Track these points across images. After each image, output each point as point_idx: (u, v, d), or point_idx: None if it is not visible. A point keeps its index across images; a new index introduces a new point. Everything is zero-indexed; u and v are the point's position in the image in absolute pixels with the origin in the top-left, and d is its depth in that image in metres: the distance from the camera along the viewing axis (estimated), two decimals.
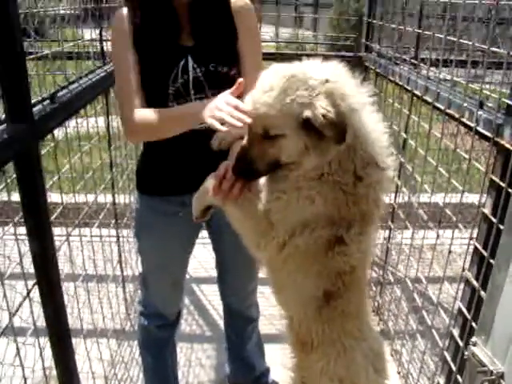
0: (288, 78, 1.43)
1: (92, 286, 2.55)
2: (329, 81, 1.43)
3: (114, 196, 3.13)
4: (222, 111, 1.55)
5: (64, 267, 2.71)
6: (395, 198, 3.11)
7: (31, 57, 1.84)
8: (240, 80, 1.64)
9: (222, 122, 1.56)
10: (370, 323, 1.86)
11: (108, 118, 2.90)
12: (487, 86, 2.04)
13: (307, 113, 1.40)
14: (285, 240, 1.59)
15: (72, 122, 2.34)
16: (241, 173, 1.58)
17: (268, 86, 1.46)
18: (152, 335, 2.46)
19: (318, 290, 1.65)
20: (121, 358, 2.92)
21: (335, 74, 1.47)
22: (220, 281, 2.52)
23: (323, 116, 1.38)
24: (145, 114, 1.86)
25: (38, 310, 1.83)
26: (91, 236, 2.69)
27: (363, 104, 1.51)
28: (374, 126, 1.53)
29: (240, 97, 1.61)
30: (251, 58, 2.00)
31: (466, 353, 1.53)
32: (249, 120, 1.49)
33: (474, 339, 1.51)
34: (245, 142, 1.58)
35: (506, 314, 1.40)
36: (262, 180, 1.65)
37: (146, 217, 2.18)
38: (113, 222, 3.16)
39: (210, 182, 1.65)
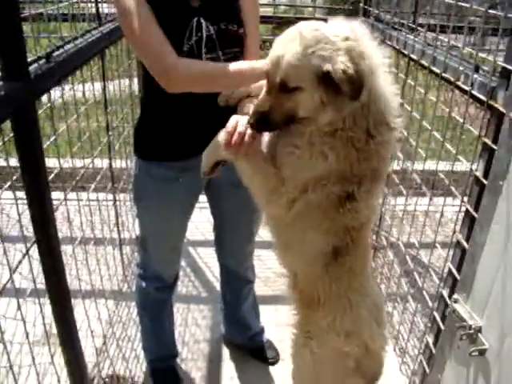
0: (311, 32, 1.44)
1: (90, 248, 2.58)
2: (349, 38, 1.43)
3: (110, 160, 3.15)
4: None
5: (61, 229, 2.76)
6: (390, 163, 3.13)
7: (26, 14, 1.82)
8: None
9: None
10: (372, 279, 1.92)
11: (104, 80, 2.89)
12: (483, 55, 2.04)
13: (327, 66, 1.40)
14: (295, 196, 1.60)
15: (67, 86, 2.34)
16: (256, 125, 1.57)
17: (291, 38, 1.46)
18: (150, 297, 2.51)
19: (327, 246, 1.68)
20: (119, 318, 2.99)
21: (357, 33, 1.47)
22: (218, 243, 2.56)
23: (343, 71, 1.38)
24: (193, 64, 1.82)
25: (38, 269, 1.87)
26: (88, 200, 2.72)
27: (380, 65, 1.52)
28: (387, 87, 1.55)
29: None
30: (252, 19, 2.01)
31: (448, 310, 1.58)
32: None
33: (455, 296, 1.56)
34: (263, 94, 1.58)
35: (486, 271, 1.45)
36: (274, 135, 1.66)
37: (144, 183, 2.17)
38: (109, 185, 3.18)
39: (221, 136, 1.64)
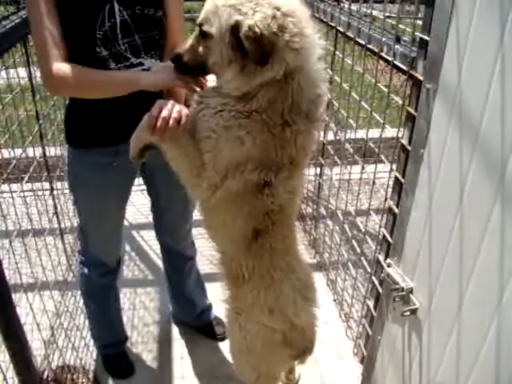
0: None
1: (28, 241, 2.52)
2: (280, 10, 1.40)
3: (43, 148, 3.06)
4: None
5: None
6: (324, 134, 3.20)
7: None
8: None
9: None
10: (299, 256, 1.95)
11: (29, 67, 2.79)
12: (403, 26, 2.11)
13: (237, 17, 1.38)
14: (216, 182, 1.61)
15: None
16: (173, 64, 1.62)
17: None
18: (93, 283, 2.49)
19: (246, 229, 1.71)
20: (65, 308, 2.94)
21: (292, 9, 1.43)
22: (155, 222, 2.56)
23: (249, 27, 1.36)
24: (71, 70, 1.78)
25: None
26: (23, 191, 2.64)
27: (312, 48, 1.49)
28: (315, 75, 1.52)
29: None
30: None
31: (382, 274, 1.66)
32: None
33: (388, 261, 1.64)
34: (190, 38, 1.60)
35: (414, 236, 1.53)
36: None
37: (78, 169, 2.13)
38: (45, 174, 3.10)
39: (145, 120, 1.63)
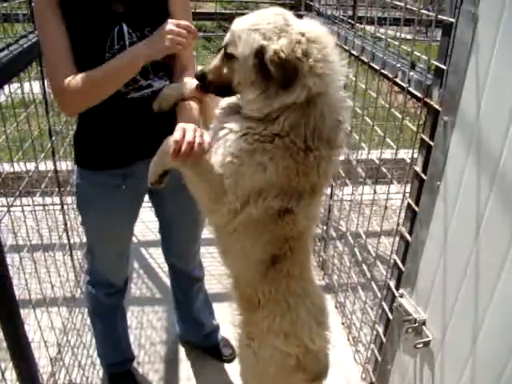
0: (273, 13, 1.45)
1: (38, 256, 2.53)
2: (305, 35, 1.42)
3: (55, 163, 3.08)
4: (179, 33, 1.66)
5: (7, 239, 2.69)
6: None
7: None
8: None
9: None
10: (313, 280, 1.93)
11: (44, 83, 2.82)
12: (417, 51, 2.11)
13: (262, 42, 1.41)
14: (237, 208, 1.60)
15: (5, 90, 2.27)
16: (199, 85, 1.64)
17: (256, 14, 1.48)
18: (101, 303, 2.48)
19: (264, 255, 1.71)
20: (73, 325, 2.94)
21: (317, 36, 1.45)
22: (163, 243, 2.55)
23: (275, 52, 1.38)
24: (77, 79, 1.77)
25: None
26: (34, 205, 2.65)
27: (336, 75, 1.49)
28: (337, 102, 1.52)
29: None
30: (183, 17, 1.98)
31: (395, 304, 1.64)
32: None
33: (401, 291, 1.62)
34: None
35: (428, 267, 1.51)
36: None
37: (87, 191, 2.13)
38: (56, 189, 3.11)
39: (168, 145, 1.61)
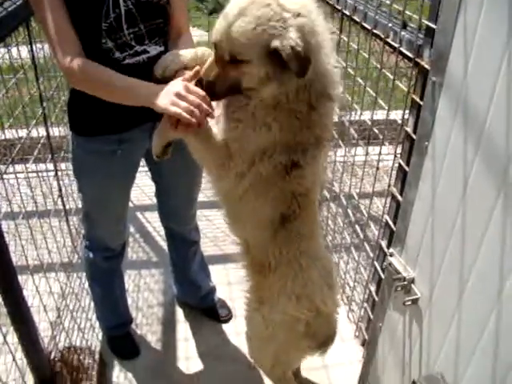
0: (262, 6, 1.41)
1: (33, 223, 2.55)
2: (301, 15, 1.42)
3: (47, 130, 3.06)
4: (186, 100, 1.54)
5: (2, 206, 2.71)
6: None
7: None
8: (197, 68, 1.62)
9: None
10: (321, 242, 1.97)
11: (32, 48, 2.77)
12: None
13: (276, 43, 1.39)
14: (243, 170, 1.62)
15: None
16: (208, 95, 1.58)
17: (241, 11, 1.43)
18: (98, 267, 2.52)
19: (274, 215, 1.73)
20: (71, 290, 2.98)
21: (308, 9, 1.46)
22: (160, 207, 2.58)
23: (291, 48, 1.38)
24: (82, 68, 1.76)
25: None
26: (27, 172, 2.66)
27: (327, 40, 1.52)
28: (331, 62, 1.56)
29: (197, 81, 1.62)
30: None
31: (385, 263, 1.68)
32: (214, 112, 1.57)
33: (391, 250, 1.65)
34: (210, 63, 1.58)
35: (417, 227, 1.54)
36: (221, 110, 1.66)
37: (83, 157, 2.13)
38: (49, 156, 3.11)
39: (168, 118, 1.63)
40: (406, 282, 1.56)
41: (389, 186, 2.21)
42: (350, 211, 2.85)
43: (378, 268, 2.28)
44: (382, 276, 2.20)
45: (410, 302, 1.55)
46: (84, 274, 3.01)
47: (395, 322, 1.73)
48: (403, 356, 1.69)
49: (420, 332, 1.56)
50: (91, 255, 2.48)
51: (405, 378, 1.70)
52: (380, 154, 2.35)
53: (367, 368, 2.02)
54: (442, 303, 1.44)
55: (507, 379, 1.18)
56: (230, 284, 3.04)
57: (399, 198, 2.03)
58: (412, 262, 1.57)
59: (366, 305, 2.56)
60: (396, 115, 2.41)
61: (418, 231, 1.53)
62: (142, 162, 2.36)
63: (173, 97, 1.56)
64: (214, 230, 3.54)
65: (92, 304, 2.87)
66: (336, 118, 3.14)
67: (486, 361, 1.26)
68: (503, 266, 1.17)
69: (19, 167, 2.80)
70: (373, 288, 2.41)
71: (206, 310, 2.89)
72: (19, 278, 2.11)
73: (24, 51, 2.78)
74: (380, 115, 2.68)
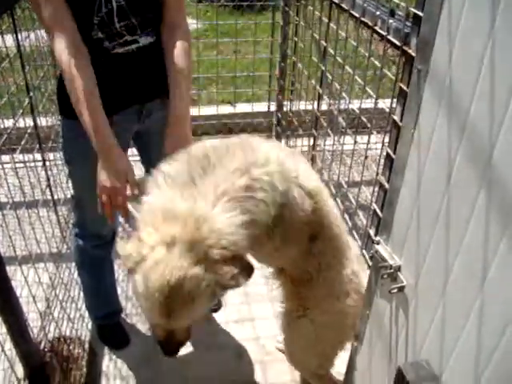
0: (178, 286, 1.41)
1: (21, 214, 2.53)
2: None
3: (34, 119, 3.04)
4: (113, 198, 1.88)
5: None
6: (318, 105, 3.18)
7: None
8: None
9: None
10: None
11: (17, 38, 2.74)
12: None
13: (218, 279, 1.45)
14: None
15: None
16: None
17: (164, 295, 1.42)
18: (88, 255, 2.52)
19: (303, 240, 1.86)
20: (60, 280, 2.98)
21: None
22: None
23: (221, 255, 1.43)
24: (74, 72, 1.78)
25: None
26: (14, 162, 2.64)
27: None
28: None
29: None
30: None
31: (372, 251, 1.69)
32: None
33: (377, 238, 1.66)
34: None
35: (402, 215, 1.54)
36: None
37: (73, 141, 2.12)
38: (37, 146, 3.09)
39: None
40: (392, 270, 1.57)
41: (377, 174, 2.21)
42: (338, 200, 2.86)
43: (367, 256, 2.29)
44: (370, 264, 2.21)
45: (396, 290, 1.55)
46: (73, 264, 3.01)
47: (382, 309, 1.74)
48: (390, 343, 1.71)
49: (406, 319, 1.58)
50: (81, 243, 2.47)
51: (391, 364, 1.71)
52: (368, 142, 2.36)
53: (354, 357, 2.04)
54: (427, 291, 1.45)
55: (490, 364, 1.19)
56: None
57: (387, 186, 2.02)
58: (398, 250, 1.58)
59: None
60: (384, 104, 2.41)
61: (403, 219, 1.54)
62: (132, 152, 2.36)
63: (108, 185, 1.86)
64: None
65: (81, 294, 2.87)
66: (325, 107, 3.16)
67: (469, 347, 1.27)
68: (487, 254, 1.18)
69: (6, 158, 2.78)
70: None
71: None
72: (7, 268, 2.11)
73: (9, 40, 2.76)
74: (369, 104, 2.68)
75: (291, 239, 1.81)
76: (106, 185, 1.86)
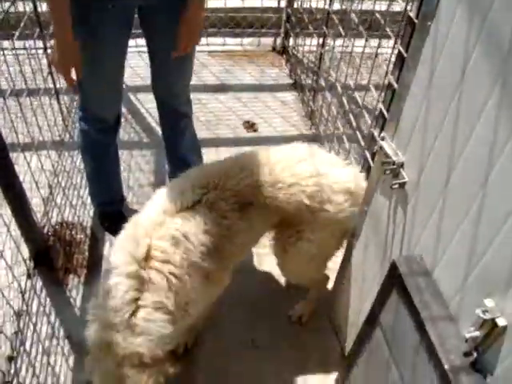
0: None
1: (23, 101, 2.49)
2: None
3: (34, 3, 2.92)
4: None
5: None
6: (330, 3, 3.05)
7: None
8: None
9: None
10: None
11: None
12: None
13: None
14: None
15: None
16: None
17: None
18: (93, 139, 2.51)
19: None
20: (63, 168, 3.00)
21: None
22: (153, 76, 2.53)
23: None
24: None
25: None
26: (15, 48, 2.56)
27: None
28: None
29: None
30: None
31: (376, 147, 1.68)
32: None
33: (382, 134, 1.65)
34: None
35: (411, 110, 1.52)
36: None
37: (73, 15, 1.99)
38: (37, 32, 2.98)
39: None
40: (395, 166, 1.57)
41: (386, 74, 2.16)
42: (345, 100, 2.81)
43: (369, 157, 2.29)
44: (372, 164, 2.22)
45: (397, 186, 1.57)
46: (76, 152, 3.02)
47: (381, 206, 1.77)
48: (385, 239, 1.75)
49: (404, 216, 1.60)
50: (86, 127, 2.46)
51: (385, 259, 1.77)
52: (380, 42, 2.28)
53: (350, 251, 2.10)
54: (428, 188, 1.47)
55: (482, 261, 1.22)
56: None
57: (395, 85, 1.99)
58: (403, 147, 1.58)
59: None
60: (399, 7, 2.30)
61: (411, 115, 1.52)
62: (136, 43, 2.28)
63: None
64: (206, 113, 3.51)
65: (84, 182, 2.90)
66: (338, 6, 3.02)
67: (464, 244, 1.29)
68: (492, 154, 1.17)
69: (6, 43, 2.70)
70: None
71: None
72: (10, 154, 2.12)
73: None
74: (383, 6, 2.58)
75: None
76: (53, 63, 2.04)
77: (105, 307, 1.62)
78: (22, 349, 2.11)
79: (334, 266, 2.31)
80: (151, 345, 1.60)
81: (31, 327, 2.22)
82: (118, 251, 1.70)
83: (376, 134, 2.22)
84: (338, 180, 1.98)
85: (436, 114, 1.38)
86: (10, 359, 2.03)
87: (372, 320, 1.71)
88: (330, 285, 2.42)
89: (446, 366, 1.24)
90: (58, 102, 3.20)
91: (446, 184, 1.36)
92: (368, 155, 2.33)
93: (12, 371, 2.00)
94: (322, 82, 3.33)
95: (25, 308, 2.25)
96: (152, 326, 1.61)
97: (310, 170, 1.95)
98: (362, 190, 1.97)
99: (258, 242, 2.17)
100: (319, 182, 1.93)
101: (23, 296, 2.26)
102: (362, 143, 2.50)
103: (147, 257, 1.65)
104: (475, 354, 1.22)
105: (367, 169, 2.38)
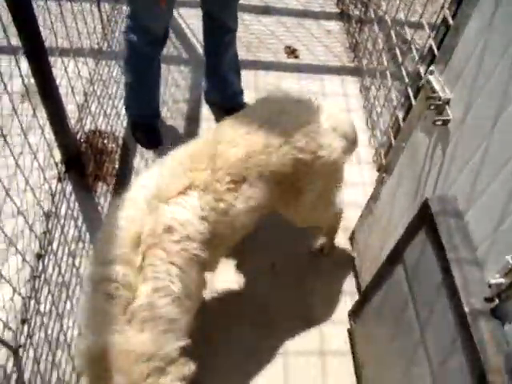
0: None
1: (64, 3, 2.44)
2: None
3: None
4: None
5: None
6: None
7: None
8: None
9: None
10: None
11: None
12: None
13: None
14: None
15: None
16: None
17: None
18: (138, 50, 2.48)
19: None
20: (99, 77, 2.98)
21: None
22: None
23: None
24: None
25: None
26: None
27: None
28: None
29: None
30: None
31: (422, 81, 1.62)
32: None
33: (431, 68, 1.58)
34: None
35: (466, 46, 1.45)
36: None
37: None
38: None
39: None
40: (440, 102, 1.51)
41: (442, 7, 2.04)
42: (393, 34, 2.69)
43: (411, 94, 2.21)
44: (414, 103, 2.15)
45: (440, 123, 1.52)
46: (113, 62, 2.98)
47: (419, 143, 1.72)
48: (420, 177, 1.72)
49: (443, 155, 1.56)
50: (133, 37, 2.43)
51: (417, 196, 1.74)
52: None
53: (380, 186, 2.07)
54: (472, 129, 1.41)
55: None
56: (257, 90, 3.00)
57: (450, 21, 1.89)
58: (451, 83, 1.51)
59: (390, 131, 2.55)
60: None
61: (466, 51, 1.44)
62: None
63: None
64: (248, 35, 3.42)
65: (119, 93, 2.88)
66: None
67: (502, 191, 1.26)
68: None
69: None
70: (400, 115, 2.36)
71: (231, 111, 2.89)
72: (48, 58, 2.10)
73: None
74: None
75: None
76: None
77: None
78: (49, 248, 2.18)
79: (354, 200, 2.27)
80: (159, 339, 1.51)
81: (59, 229, 2.28)
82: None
83: (422, 71, 2.14)
84: (321, 121, 1.89)
85: (493, 53, 1.31)
86: (39, 257, 2.11)
87: (395, 257, 1.70)
88: (354, 219, 2.41)
89: (466, 309, 1.24)
90: (99, 10, 3.14)
91: (493, 127, 1.31)
92: (410, 92, 2.26)
93: (40, 268, 2.08)
94: (371, 14, 3.19)
95: (54, 210, 2.31)
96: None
97: (294, 122, 1.84)
98: (344, 122, 1.97)
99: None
100: (307, 132, 1.83)
101: (53, 198, 2.32)
102: (406, 79, 2.41)
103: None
104: (497, 301, 1.21)
105: (407, 109, 2.31)
